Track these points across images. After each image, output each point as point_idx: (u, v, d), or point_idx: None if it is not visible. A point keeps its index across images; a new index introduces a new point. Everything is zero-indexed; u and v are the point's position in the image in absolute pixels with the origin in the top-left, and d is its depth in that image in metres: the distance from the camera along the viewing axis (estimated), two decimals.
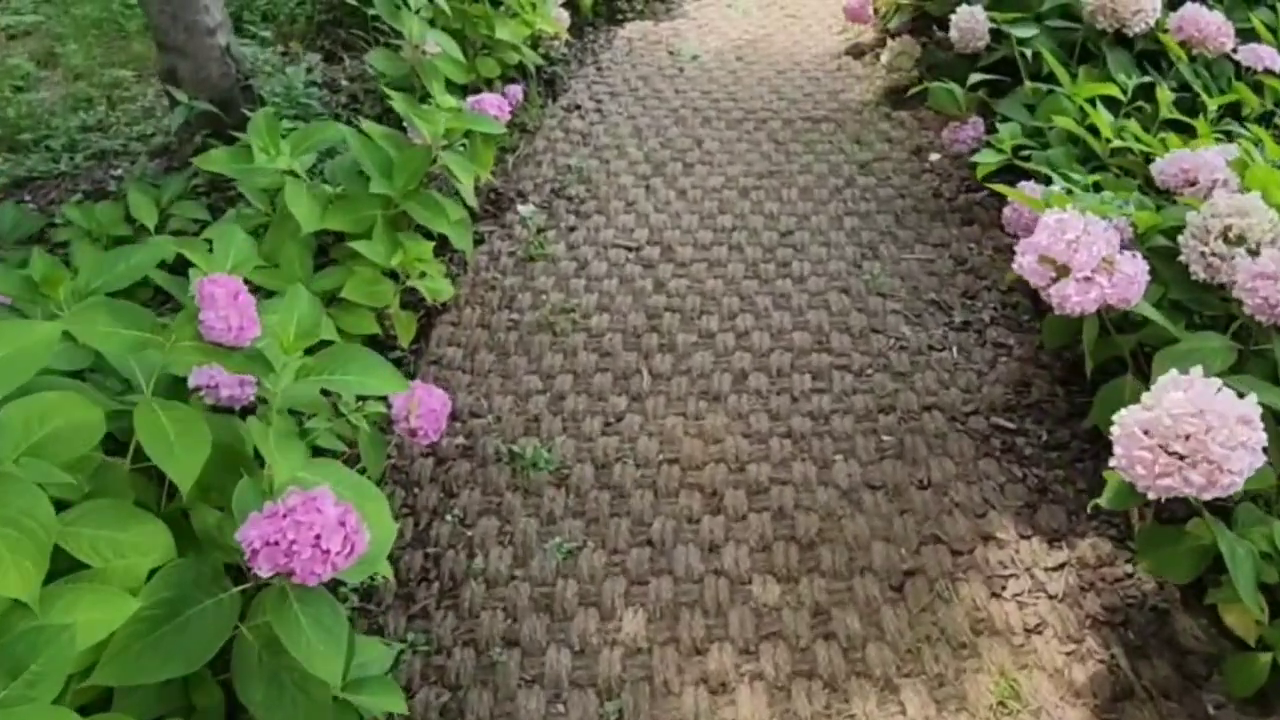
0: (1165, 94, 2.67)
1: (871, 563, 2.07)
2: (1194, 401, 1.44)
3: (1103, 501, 1.63)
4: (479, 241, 3.09)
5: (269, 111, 2.43)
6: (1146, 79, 2.85)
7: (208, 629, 1.43)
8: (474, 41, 3.51)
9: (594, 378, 2.58)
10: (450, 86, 3.20)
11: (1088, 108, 2.67)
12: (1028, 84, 3.00)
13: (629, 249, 3.04)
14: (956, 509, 2.17)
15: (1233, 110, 2.89)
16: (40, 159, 3.51)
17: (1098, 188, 2.37)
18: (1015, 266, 1.99)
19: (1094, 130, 2.67)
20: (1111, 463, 1.54)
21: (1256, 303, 1.83)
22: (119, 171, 3.44)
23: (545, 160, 3.52)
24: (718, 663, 1.89)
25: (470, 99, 2.77)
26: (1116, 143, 2.59)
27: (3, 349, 1.35)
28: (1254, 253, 1.94)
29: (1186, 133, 2.71)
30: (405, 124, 2.71)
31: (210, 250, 2.09)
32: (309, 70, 3.83)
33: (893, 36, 3.94)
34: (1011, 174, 2.85)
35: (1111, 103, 2.78)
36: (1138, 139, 2.60)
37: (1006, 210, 2.50)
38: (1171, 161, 2.27)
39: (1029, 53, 3.02)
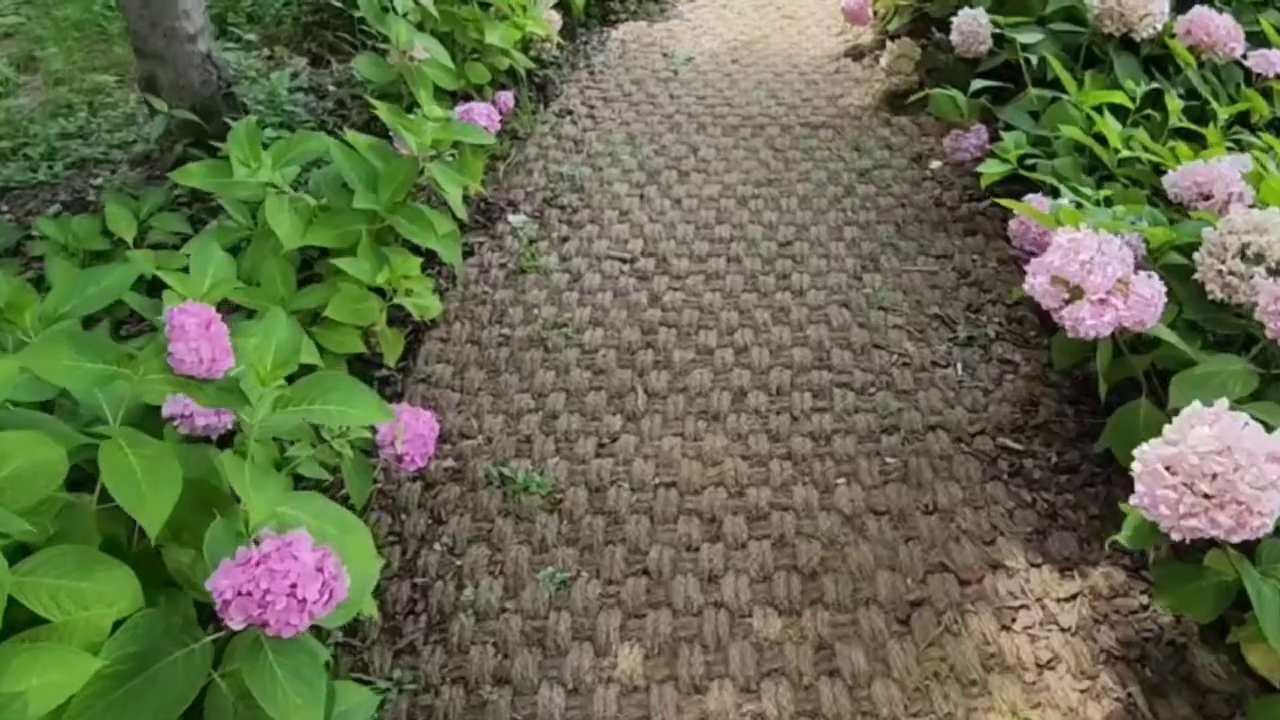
0: (1175, 103, 2.60)
1: (876, 593, 1.99)
2: (1221, 437, 1.36)
3: (1122, 539, 1.55)
4: (469, 253, 3.00)
5: (250, 122, 2.34)
6: (1154, 86, 2.76)
7: (178, 683, 1.34)
8: (463, 46, 3.43)
9: (587, 396, 2.50)
10: (439, 93, 3.11)
11: (1095, 116, 2.59)
12: (1032, 90, 2.92)
13: (623, 260, 2.96)
14: (963, 535, 2.10)
15: (1241, 117, 2.82)
16: (18, 168, 3.42)
17: (1108, 202, 2.29)
18: (1026, 287, 1.91)
19: (1101, 139, 2.60)
20: (1132, 500, 1.46)
21: (1279, 327, 1.75)
22: (99, 181, 3.35)
23: (537, 168, 3.43)
24: (718, 702, 1.81)
25: (459, 108, 2.69)
26: (1125, 153, 2.52)
27: None
28: (1274, 272, 1.86)
29: (1196, 141, 2.63)
30: (391, 133, 2.63)
31: (187, 269, 2.01)
32: (294, 76, 3.74)
33: (892, 39, 3.86)
34: (1015, 182, 2.77)
35: (1118, 110, 2.70)
36: (1146, 149, 2.52)
37: (1013, 223, 2.43)
38: (1184, 174, 2.19)
39: (1034, 59, 2.94)
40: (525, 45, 3.78)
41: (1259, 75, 2.87)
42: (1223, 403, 1.45)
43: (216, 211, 2.84)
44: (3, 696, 1.10)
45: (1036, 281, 1.87)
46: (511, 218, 3.15)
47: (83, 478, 1.54)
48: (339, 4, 3.82)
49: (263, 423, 1.63)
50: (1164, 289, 1.81)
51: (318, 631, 1.59)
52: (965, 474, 2.23)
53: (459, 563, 2.11)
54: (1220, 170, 2.14)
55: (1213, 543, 1.60)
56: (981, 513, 2.14)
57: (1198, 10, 2.82)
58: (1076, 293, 1.81)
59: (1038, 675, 1.82)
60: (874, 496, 2.20)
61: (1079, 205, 2.23)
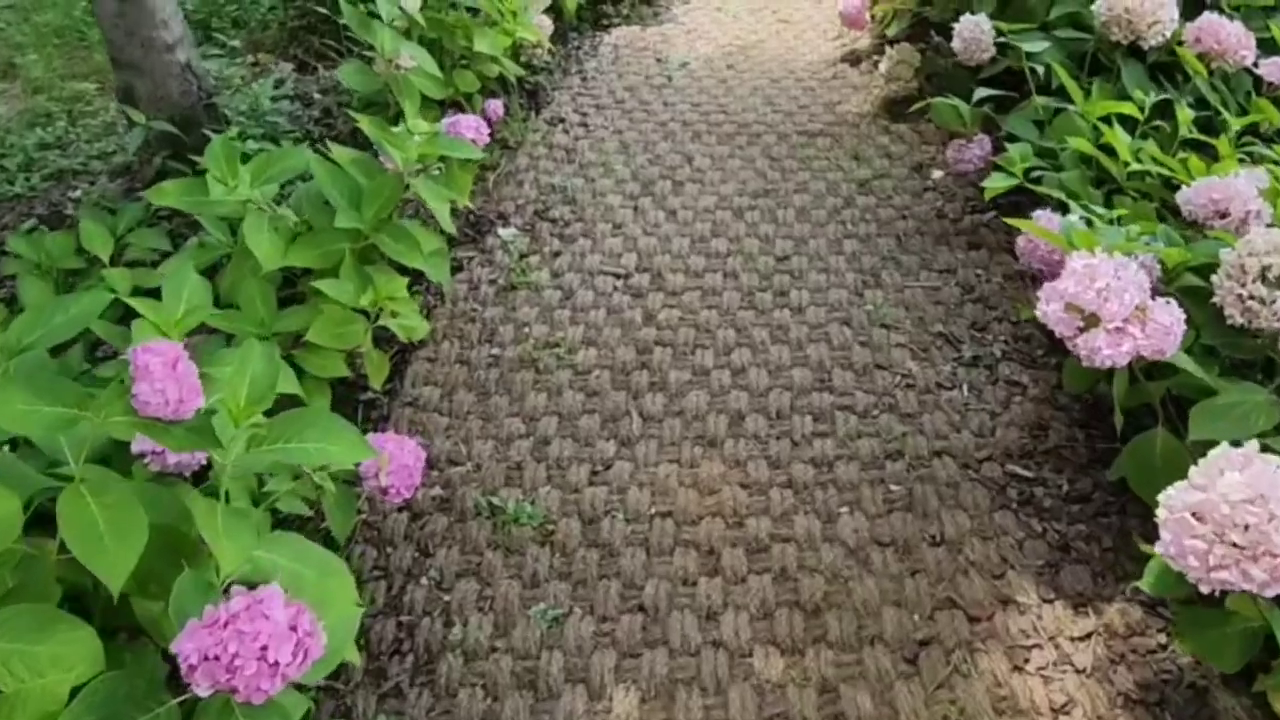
0: (1185, 113, 2.51)
1: (882, 631, 1.90)
2: (1253, 484, 1.28)
3: (1144, 586, 1.47)
4: (458, 268, 2.91)
5: (227, 138, 2.26)
6: (1164, 96, 2.68)
7: None
8: (451, 53, 3.33)
9: (580, 420, 2.41)
10: (426, 102, 3.02)
11: (1103, 127, 2.51)
12: (1037, 99, 2.84)
13: (617, 276, 2.87)
14: (972, 568, 2.01)
15: (1250, 127, 2.74)
16: None
17: (1119, 219, 2.20)
18: (1039, 314, 1.83)
19: (1109, 150, 2.52)
20: (1157, 547, 1.38)
21: None
22: (77, 193, 3.25)
23: (528, 179, 3.34)
24: None
25: (446, 121, 2.60)
26: (1135, 165, 2.43)
27: None
28: None
29: (1206, 152, 2.55)
30: (376, 146, 2.54)
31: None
32: (279, 84, 3.65)
33: (891, 44, 3.78)
34: (1019, 193, 2.69)
35: (1126, 120, 2.62)
36: (1157, 161, 2.44)
37: (1020, 241, 2.34)
38: (1199, 191, 2.11)
39: (1040, 69, 2.85)
40: (516, 51, 3.69)
41: (1269, 84, 2.80)
42: (1253, 445, 1.37)
43: (197, 226, 2.74)
44: None
45: (1050, 308, 1.78)
46: (502, 231, 3.06)
47: (48, 518, 1.45)
48: (325, 10, 3.72)
49: (236, 463, 1.54)
50: (1183, 316, 1.73)
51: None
52: (973, 502, 2.15)
53: (447, 598, 2.02)
54: (1237, 187, 2.05)
55: None
56: (990, 544, 2.06)
57: (1207, 17, 2.74)
58: (1092, 320, 1.73)
59: None
60: (878, 527, 2.11)
61: (1089, 223, 2.14)
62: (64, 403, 1.37)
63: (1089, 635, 1.86)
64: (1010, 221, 2.30)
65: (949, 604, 1.95)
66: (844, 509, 2.16)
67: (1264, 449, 1.39)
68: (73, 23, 4.51)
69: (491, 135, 3.09)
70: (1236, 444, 1.39)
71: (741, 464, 2.27)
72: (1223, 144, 2.47)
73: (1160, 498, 1.40)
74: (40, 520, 1.44)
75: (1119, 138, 2.44)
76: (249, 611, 1.25)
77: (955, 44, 3.10)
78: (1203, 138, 2.56)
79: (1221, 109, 2.69)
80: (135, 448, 1.67)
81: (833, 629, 1.91)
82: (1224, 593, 1.59)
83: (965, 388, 2.43)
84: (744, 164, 3.39)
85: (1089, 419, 2.29)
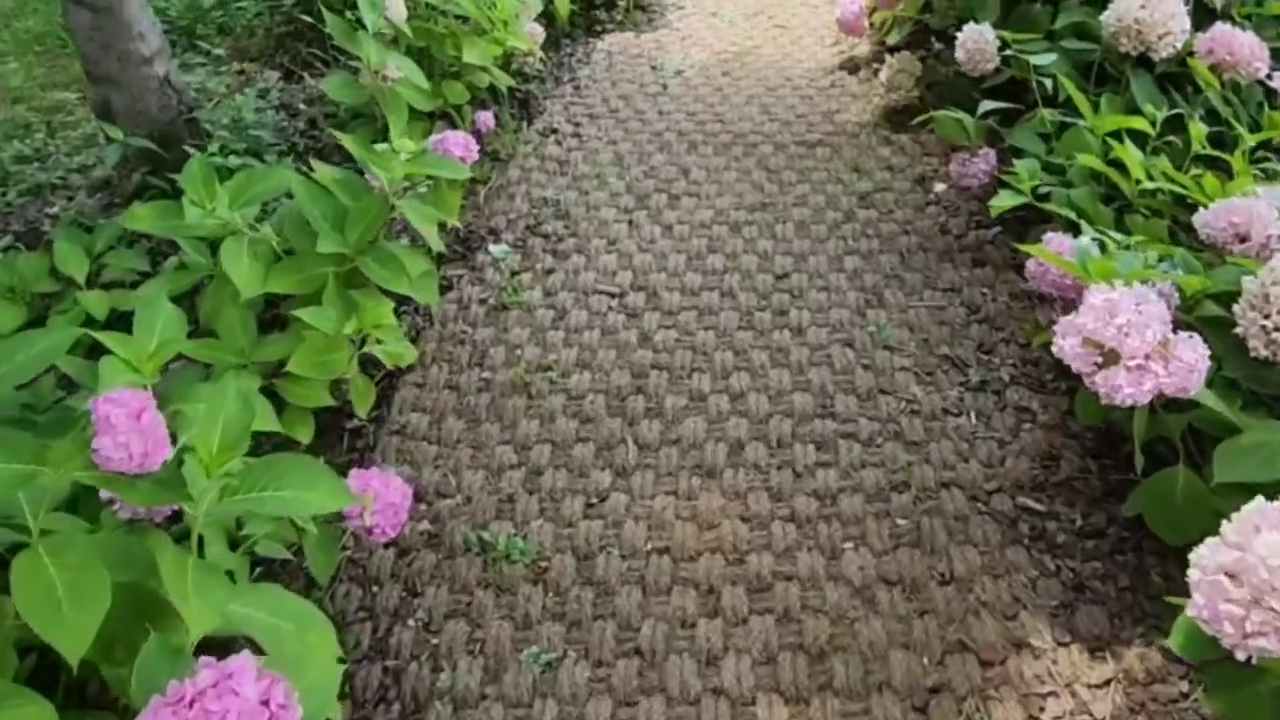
0: (1198, 129, 2.43)
1: (890, 677, 1.82)
2: None
3: (1173, 646, 1.39)
4: (447, 287, 2.82)
5: (203, 158, 2.16)
6: (1175, 110, 2.60)
7: None
8: (440, 62, 3.24)
9: (574, 448, 2.32)
10: (414, 114, 2.93)
11: (1114, 144, 2.42)
12: (1043, 112, 2.75)
13: (611, 295, 2.78)
14: (983, 609, 1.93)
15: (1264, 142, 2.65)
16: None
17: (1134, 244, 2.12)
18: (1055, 349, 1.74)
19: (1119, 164, 2.43)
20: (1189, 609, 1.30)
21: None
22: (55, 209, 3.15)
23: (519, 192, 3.25)
24: None
25: (434, 139, 2.50)
26: (1147, 183, 2.35)
27: None
28: None
29: (1219, 168, 2.47)
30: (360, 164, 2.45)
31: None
32: (264, 94, 3.55)
33: (891, 52, 3.69)
34: (1026, 208, 2.59)
35: (1136, 134, 2.53)
36: (1169, 178, 2.36)
37: (1031, 263, 2.25)
38: (1218, 213, 2.02)
39: (1048, 83, 2.77)
40: (507, 60, 3.59)
41: None
42: None
43: (178, 245, 2.66)
44: None
45: (1066, 343, 1.70)
46: (493, 248, 2.97)
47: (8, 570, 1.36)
48: (310, 19, 3.62)
49: (209, 513, 1.46)
50: (1207, 352, 1.64)
51: None
52: (983, 537, 2.06)
53: (435, 641, 1.93)
54: (1258, 210, 1.97)
55: None
56: (1002, 582, 1.98)
57: (1220, 28, 2.65)
58: (1111, 356, 1.65)
59: None
60: (885, 564, 2.03)
61: (1102, 246, 2.06)
62: (19, 459, 1.29)
63: (1107, 682, 1.78)
64: (1022, 248, 2.21)
65: (960, 647, 1.87)
66: (848, 544, 2.07)
67: None
68: (54, 29, 4.40)
69: (482, 148, 3.00)
70: (1271, 496, 1.30)
71: (741, 496, 2.19)
72: (1237, 160, 2.39)
73: (1192, 557, 1.31)
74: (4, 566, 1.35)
75: (1130, 154, 2.35)
76: (217, 689, 1.16)
77: (959, 54, 3.01)
78: (1215, 153, 2.47)
79: (1234, 122, 2.60)
80: (104, 494, 1.58)
81: (839, 674, 1.83)
82: None
83: (973, 414, 2.35)
84: (741, 176, 3.30)
85: (1101, 448, 2.21)
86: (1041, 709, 1.76)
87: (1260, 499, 1.29)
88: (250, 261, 2.10)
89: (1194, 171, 2.43)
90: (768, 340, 2.60)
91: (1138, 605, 1.90)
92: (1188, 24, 2.65)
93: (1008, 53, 2.91)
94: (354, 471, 1.87)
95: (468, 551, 2.10)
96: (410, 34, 2.99)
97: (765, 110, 3.72)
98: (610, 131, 3.60)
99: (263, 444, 2.14)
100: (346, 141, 2.27)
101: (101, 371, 1.65)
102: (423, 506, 2.20)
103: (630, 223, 3.09)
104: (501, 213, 3.15)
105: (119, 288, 2.53)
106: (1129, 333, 1.61)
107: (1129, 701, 1.75)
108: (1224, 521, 1.30)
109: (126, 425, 1.28)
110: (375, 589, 2.04)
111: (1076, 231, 2.32)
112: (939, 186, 3.16)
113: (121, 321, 2.34)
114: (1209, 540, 1.30)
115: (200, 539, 1.48)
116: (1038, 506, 2.11)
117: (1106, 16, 2.72)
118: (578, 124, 3.66)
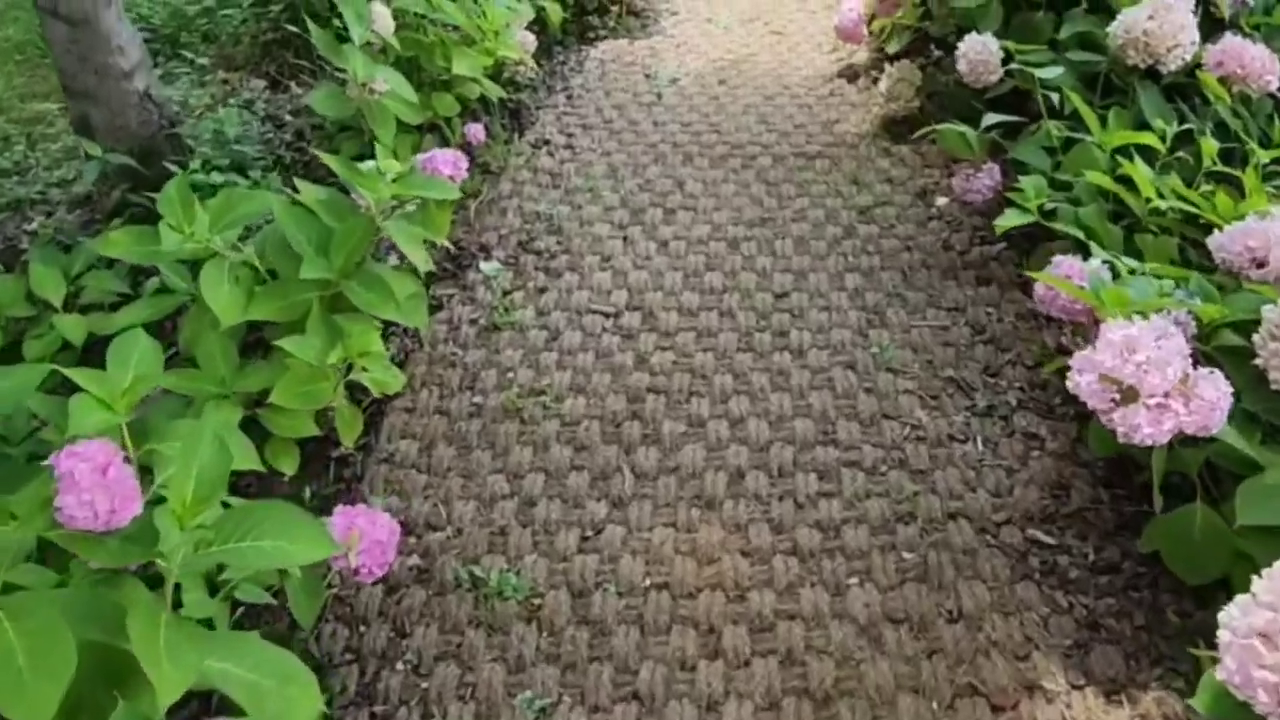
0: (1210, 145, 2.36)
1: None
2: None
3: (1199, 707, 1.32)
4: (437, 307, 2.74)
5: (181, 180, 2.09)
6: (1186, 125, 2.53)
7: None
8: (429, 73, 3.16)
9: (568, 478, 2.25)
10: (402, 127, 2.86)
11: (1123, 161, 2.35)
12: (1048, 125, 2.68)
13: (606, 315, 2.71)
14: (994, 649, 1.86)
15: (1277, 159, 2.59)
16: None
17: (1140, 256, 2.05)
18: (1071, 386, 1.67)
19: (1126, 180, 2.36)
20: (1219, 673, 1.22)
21: None
22: (34, 225, 3.07)
23: (511, 207, 3.17)
24: None
25: (422, 157, 2.42)
26: (1158, 202, 2.28)
27: None
28: None
29: (1229, 183, 2.40)
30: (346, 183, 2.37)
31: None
32: (249, 104, 3.47)
33: (890, 60, 3.62)
34: (1032, 225, 2.52)
35: (1144, 149, 2.47)
36: (1180, 196, 2.29)
37: (1039, 287, 2.18)
38: (1234, 237, 1.95)
39: (1053, 95, 2.70)
40: (497, 70, 3.51)
41: None
42: None
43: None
44: None
45: (1083, 380, 1.63)
46: (484, 265, 2.89)
47: None
48: (295, 29, 3.54)
49: (184, 565, 1.38)
50: (1229, 389, 1.57)
51: None
52: (992, 572, 1.99)
53: (425, 685, 1.86)
54: (1275, 233, 1.90)
55: None
56: (1013, 620, 1.90)
57: (1230, 40, 2.58)
58: (1130, 394, 1.58)
59: None
60: (891, 600, 1.95)
61: (1114, 271, 1.99)
62: None
63: None
64: (1033, 275, 2.14)
65: (970, 690, 1.79)
66: (853, 580, 2.00)
67: None
68: (34, 38, 4.30)
69: (472, 161, 2.92)
70: None
71: (742, 528, 2.12)
72: (1249, 177, 2.32)
73: (1221, 617, 1.24)
74: None
75: (1140, 173, 2.28)
76: None
77: (960, 65, 2.94)
78: (1227, 169, 2.40)
79: (1244, 136, 2.53)
80: None
81: None
82: None
83: (979, 441, 2.28)
84: (738, 189, 3.23)
85: (1114, 478, 2.14)
86: None
87: None
88: (231, 288, 2.02)
89: (1205, 188, 2.36)
90: (768, 363, 2.53)
91: (1154, 646, 1.83)
92: (1196, 35, 2.58)
93: (1012, 66, 2.83)
94: (339, 509, 1.79)
95: (458, 588, 2.02)
96: (398, 45, 2.91)
97: (763, 120, 3.65)
98: (604, 143, 3.52)
99: (244, 475, 2.06)
100: (332, 162, 2.19)
101: (72, 412, 1.57)
102: (412, 539, 2.13)
103: (625, 238, 3.01)
104: (493, 228, 3.07)
105: (98, 310, 2.45)
106: (1148, 370, 1.54)
107: None
108: (1254, 578, 1.23)
109: (91, 481, 1.21)
110: (362, 629, 1.96)
111: (1085, 251, 2.25)
112: (941, 200, 3.09)
113: (99, 346, 2.26)
114: (1239, 599, 1.23)
115: (178, 585, 1.41)
116: (1048, 539, 2.04)
117: (1114, 28, 2.65)
118: (570, 135, 3.58)
